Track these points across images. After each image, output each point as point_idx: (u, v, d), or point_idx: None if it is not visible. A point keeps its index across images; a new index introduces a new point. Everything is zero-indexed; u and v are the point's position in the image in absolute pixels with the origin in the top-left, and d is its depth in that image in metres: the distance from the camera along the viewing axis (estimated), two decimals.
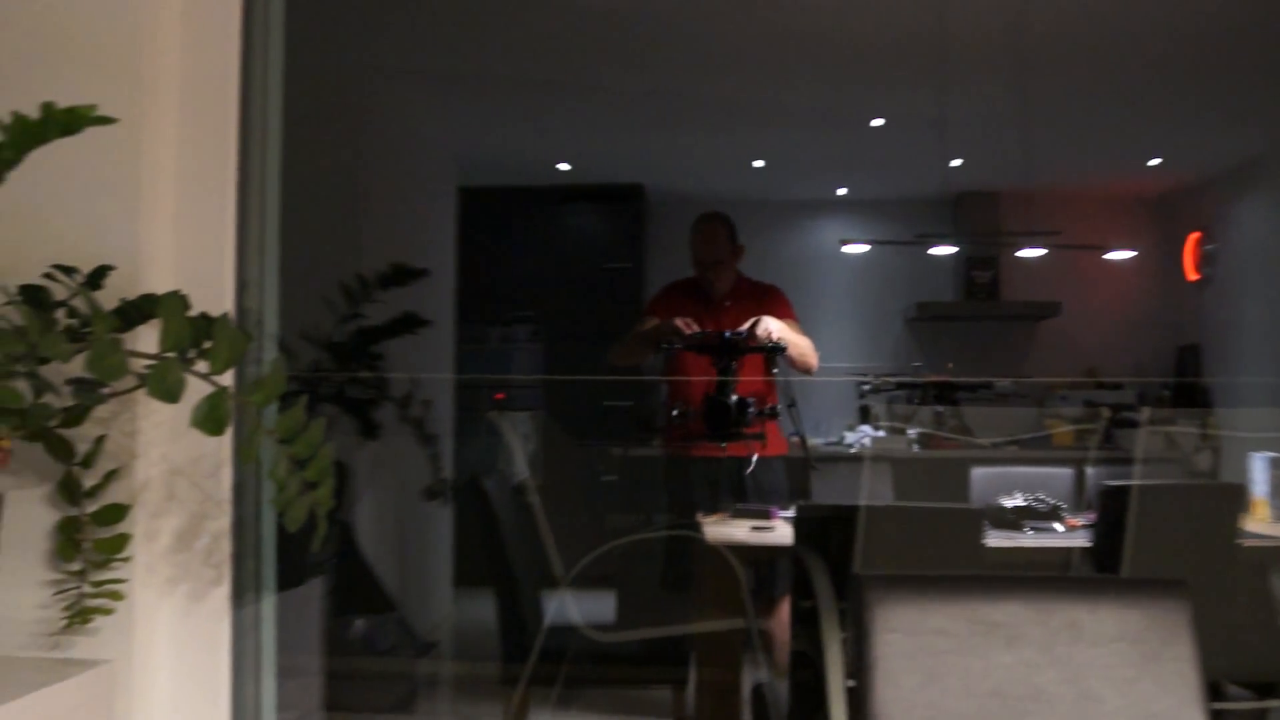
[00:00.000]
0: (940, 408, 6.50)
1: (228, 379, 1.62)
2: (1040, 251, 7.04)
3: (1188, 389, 7.91)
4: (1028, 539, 3.62)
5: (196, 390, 1.58)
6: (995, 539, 3.49)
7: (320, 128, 5.39)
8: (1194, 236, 7.97)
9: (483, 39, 5.29)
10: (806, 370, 4.42)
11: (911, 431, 6.36)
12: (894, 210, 8.25)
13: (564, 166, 7.66)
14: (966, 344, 8.34)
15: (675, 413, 4.34)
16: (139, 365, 1.60)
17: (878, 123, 6.49)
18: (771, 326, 4.17)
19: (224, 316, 1.65)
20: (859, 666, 1.51)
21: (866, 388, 6.74)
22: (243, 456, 1.60)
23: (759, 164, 7.51)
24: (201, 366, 1.60)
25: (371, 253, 5.80)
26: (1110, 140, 7.12)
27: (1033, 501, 3.85)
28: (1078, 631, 1.51)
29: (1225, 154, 7.31)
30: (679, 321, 4.24)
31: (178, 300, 1.62)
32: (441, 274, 7.13)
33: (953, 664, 1.50)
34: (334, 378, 3.92)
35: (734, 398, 3.97)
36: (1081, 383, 7.86)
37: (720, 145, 7.22)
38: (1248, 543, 3.45)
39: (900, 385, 7.01)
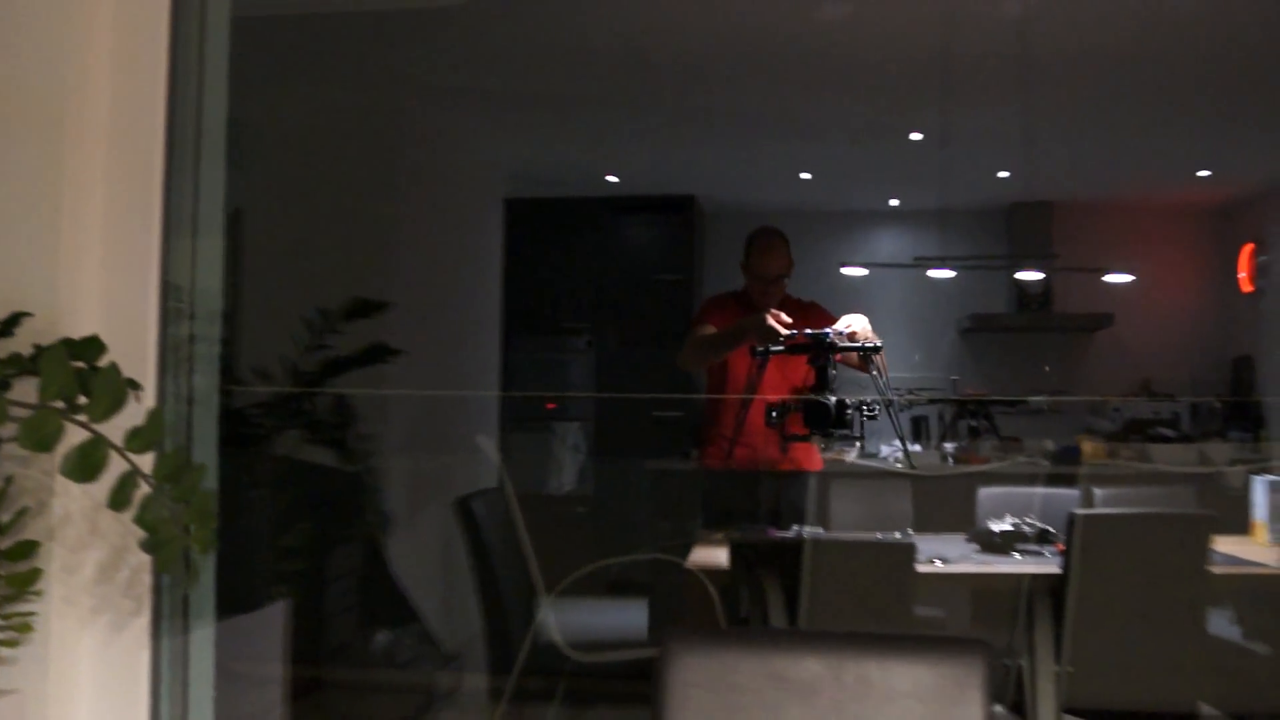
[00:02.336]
0: (975, 422, 6.47)
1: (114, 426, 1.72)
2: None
3: (1237, 404, 7.79)
4: (965, 566, 3.64)
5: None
6: (948, 566, 3.53)
7: (354, 150, 5.57)
8: (1248, 248, 7.84)
9: (528, 56, 5.39)
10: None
11: (948, 447, 6.34)
12: (947, 221, 8.24)
13: (612, 179, 7.74)
14: (1021, 356, 8.29)
15: (774, 413, 4.17)
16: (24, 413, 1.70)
17: (916, 136, 6.49)
18: (863, 325, 4.01)
19: (109, 367, 1.76)
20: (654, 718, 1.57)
21: (896, 401, 6.70)
22: (111, 503, 1.69)
23: (806, 176, 7.54)
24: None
25: (408, 269, 5.96)
26: (1158, 152, 7.05)
27: (1022, 525, 3.86)
28: (868, 688, 1.55)
29: (1277, 166, 7.20)
30: (772, 319, 4.04)
31: (58, 351, 1.72)
32: (489, 286, 7.27)
33: (749, 718, 1.56)
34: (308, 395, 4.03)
35: (833, 398, 3.84)
36: (1128, 398, 7.77)
37: (767, 157, 7.25)
38: (1220, 569, 3.44)
39: (932, 400, 6.98)
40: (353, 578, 4.99)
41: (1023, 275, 7.14)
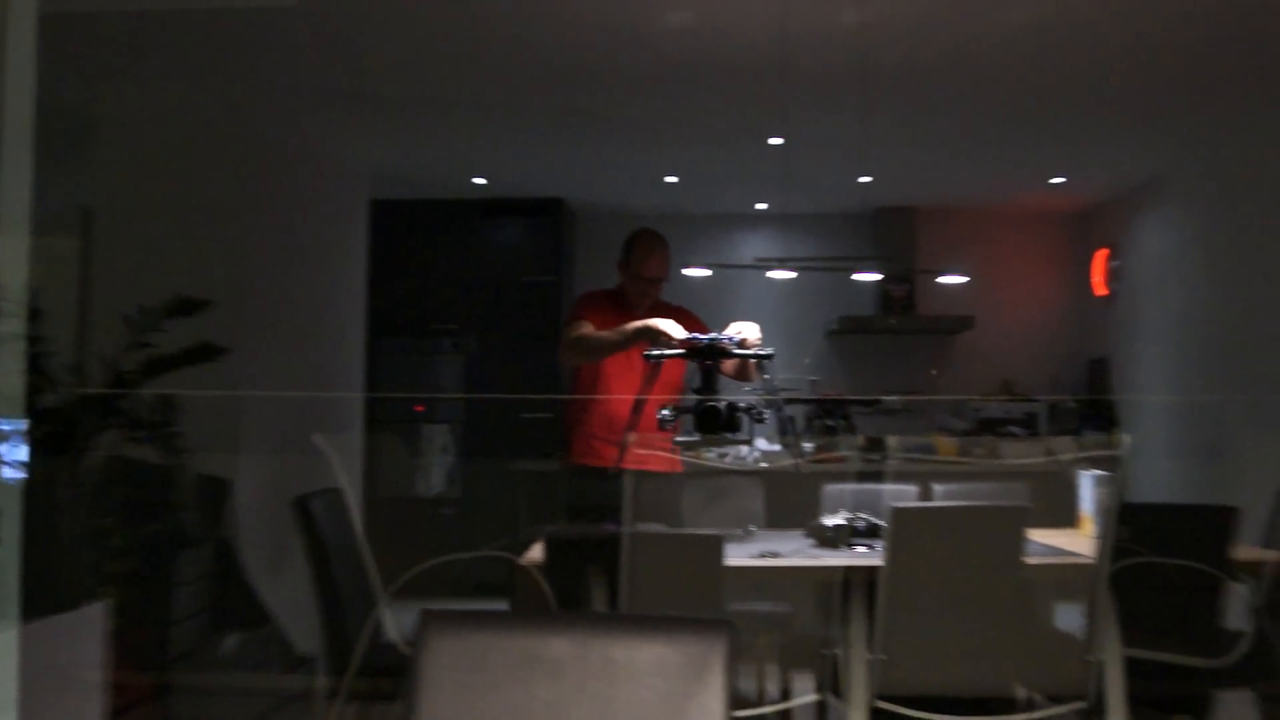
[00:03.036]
0: (832, 422, 6.57)
1: None
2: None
3: (1094, 403, 8.02)
4: (769, 561, 3.71)
5: None
6: (775, 560, 3.60)
7: (213, 150, 5.51)
8: (1102, 253, 8.07)
9: (390, 58, 5.37)
10: (748, 380, 4.43)
11: (807, 446, 6.43)
12: (812, 225, 8.37)
13: (480, 180, 7.74)
14: (886, 357, 8.46)
15: (665, 413, 4.19)
16: None
17: (776, 141, 6.58)
18: (754, 333, 4.05)
19: None
20: (409, 700, 1.59)
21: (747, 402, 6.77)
22: None
23: (672, 179, 7.60)
24: None
25: (266, 269, 5.91)
26: (1015, 159, 7.23)
27: (854, 520, 3.94)
28: (614, 667, 1.59)
29: (1128, 173, 7.43)
30: (664, 325, 4.10)
31: None
32: (354, 287, 7.23)
33: (495, 699, 1.58)
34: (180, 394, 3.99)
35: (724, 401, 3.80)
36: (989, 397, 7.96)
37: (635, 160, 7.30)
38: (1036, 560, 3.55)
39: (790, 400, 7.08)
40: (202, 580, 4.93)
41: (859, 276, 7.27)
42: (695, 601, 3.28)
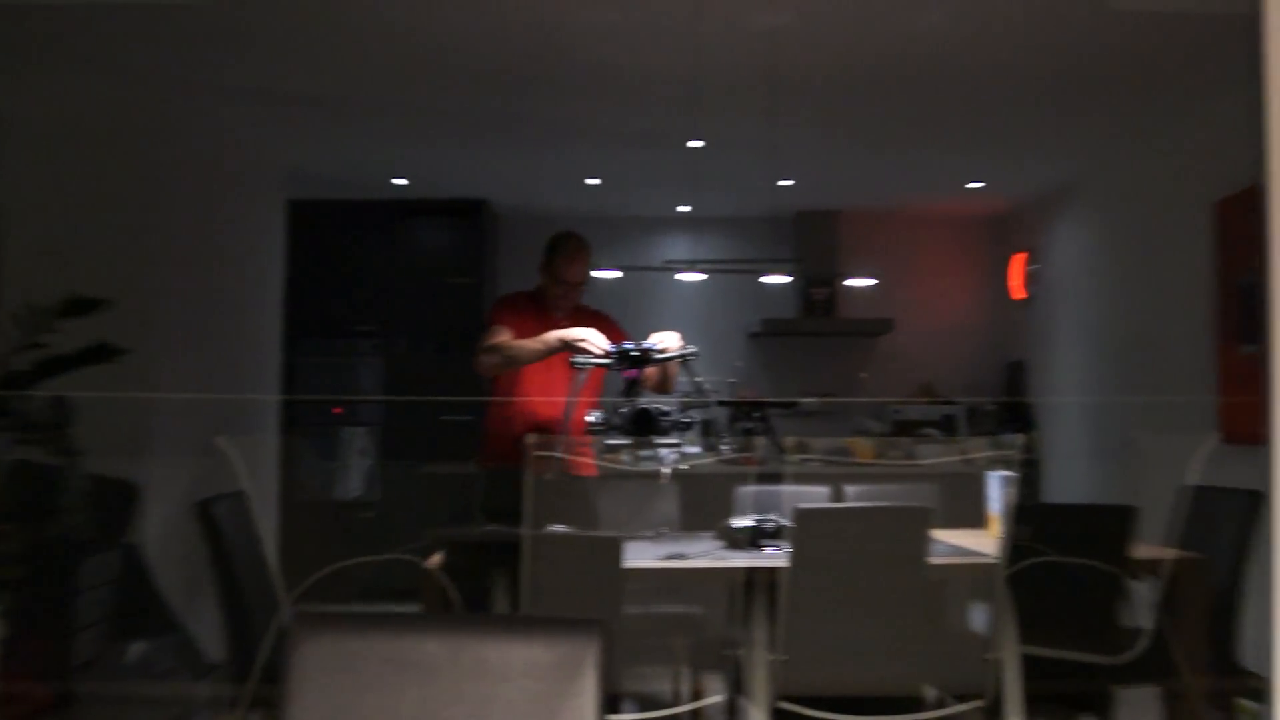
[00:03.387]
0: (749, 424, 6.60)
1: None
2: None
3: (1012, 405, 8.11)
4: (673, 563, 3.73)
5: None
6: (681, 562, 3.60)
7: (123, 147, 5.42)
8: (1020, 257, 8.16)
9: (308, 57, 5.32)
10: (668, 390, 4.48)
11: (725, 448, 6.43)
12: (734, 228, 8.40)
13: (400, 181, 7.69)
14: (807, 360, 8.49)
15: (595, 417, 4.26)
16: None
17: (695, 144, 6.59)
18: (674, 342, 4.19)
19: None
20: (280, 704, 1.57)
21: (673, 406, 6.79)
22: None
23: (594, 181, 7.59)
24: None
25: (176, 268, 5.83)
26: (934, 164, 7.30)
27: (762, 522, 3.95)
28: (485, 668, 1.58)
29: (1045, 178, 7.53)
30: (585, 335, 4.20)
31: None
32: (269, 287, 7.15)
33: (365, 701, 1.56)
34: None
35: (654, 405, 4.02)
36: (909, 400, 8.02)
37: (557, 162, 7.28)
38: (940, 560, 3.57)
39: (706, 403, 7.08)
40: (107, 586, 4.83)
41: (768, 279, 7.32)
42: (595, 603, 3.28)
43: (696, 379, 4.17)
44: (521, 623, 1.61)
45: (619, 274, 7.19)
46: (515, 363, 4.59)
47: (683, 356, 4.12)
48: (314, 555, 4.13)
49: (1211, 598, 3.95)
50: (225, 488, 3.93)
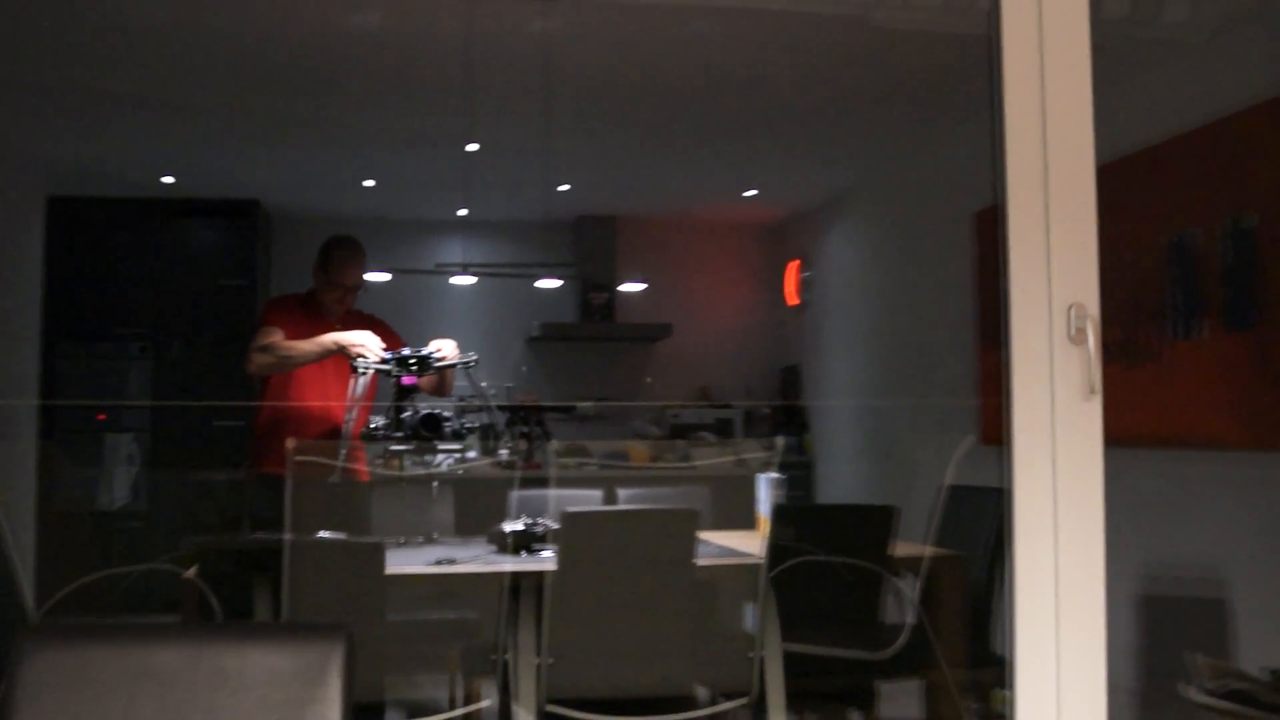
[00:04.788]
0: (527, 428, 6.60)
1: None
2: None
3: (787, 408, 8.30)
4: (440, 568, 3.70)
5: None
6: (449, 567, 3.60)
7: None
8: (794, 263, 8.36)
9: (69, 49, 5.09)
10: (444, 395, 4.46)
11: (502, 453, 6.41)
12: (514, 231, 8.38)
13: (169, 179, 7.44)
14: (586, 364, 8.53)
15: (378, 424, 4.24)
16: None
17: (473, 147, 6.56)
18: (451, 348, 4.25)
19: None
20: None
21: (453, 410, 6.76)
22: None
23: (370, 183, 7.49)
24: None
25: None
26: (708, 172, 7.42)
27: (532, 526, 3.95)
28: (224, 677, 1.54)
29: (816, 187, 7.73)
30: (361, 339, 4.20)
31: None
32: (25, 288, 6.84)
33: (97, 712, 1.51)
34: None
35: (438, 410, 4.11)
36: (689, 404, 8.13)
37: (332, 163, 7.15)
38: (707, 560, 3.63)
39: (485, 408, 7.06)
40: None
41: (542, 284, 7.36)
42: (358, 609, 3.23)
43: (481, 384, 4.20)
44: (264, 630, 1.58)
45: (388, 276, 7.09)
46: (289, 363, 4.50)
47: (463, 363, 4.18)
48: (74, 567, 3.97)
49: (967, 592, 4.11)
50: None
